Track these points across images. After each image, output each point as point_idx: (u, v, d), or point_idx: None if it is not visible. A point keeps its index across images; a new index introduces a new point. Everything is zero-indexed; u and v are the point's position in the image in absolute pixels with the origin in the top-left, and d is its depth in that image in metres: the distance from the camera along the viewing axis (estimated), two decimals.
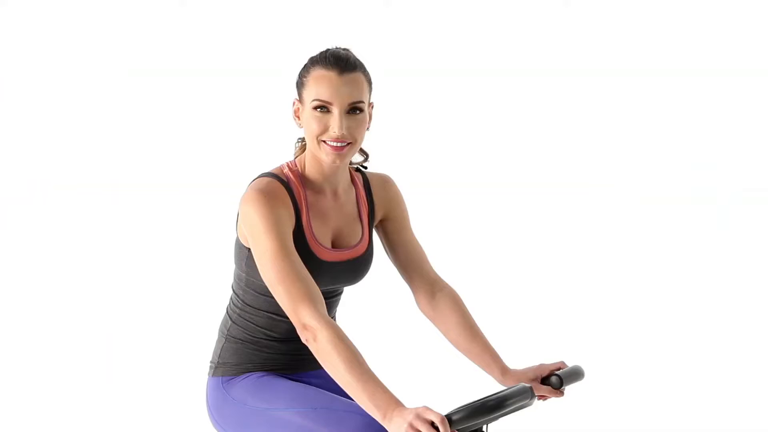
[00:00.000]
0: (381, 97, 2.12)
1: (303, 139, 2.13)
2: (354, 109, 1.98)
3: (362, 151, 2.21)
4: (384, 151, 2.33)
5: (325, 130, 1.97)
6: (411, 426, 1.71)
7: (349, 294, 2.26)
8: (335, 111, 1.97)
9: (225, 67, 4.71)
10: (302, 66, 2.05)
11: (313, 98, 1.98)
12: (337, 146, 1.98)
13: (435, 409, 1.73)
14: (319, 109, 1.97)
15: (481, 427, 1.87)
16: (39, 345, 4.39)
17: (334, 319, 2.24)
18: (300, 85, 2.03)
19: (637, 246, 4.60)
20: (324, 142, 1.98)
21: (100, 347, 4.40)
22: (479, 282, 3.98)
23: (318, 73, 1.99)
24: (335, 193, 2.12)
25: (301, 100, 2.03)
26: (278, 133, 2.60)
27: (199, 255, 4.47)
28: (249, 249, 2.03)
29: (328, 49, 2.03)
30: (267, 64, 4.56)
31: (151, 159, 4.71)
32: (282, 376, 2.12)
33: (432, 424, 1.70)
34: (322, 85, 1.97)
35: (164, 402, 4.03)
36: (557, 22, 4.66)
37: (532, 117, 4.68)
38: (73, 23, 4.72)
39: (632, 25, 4.62)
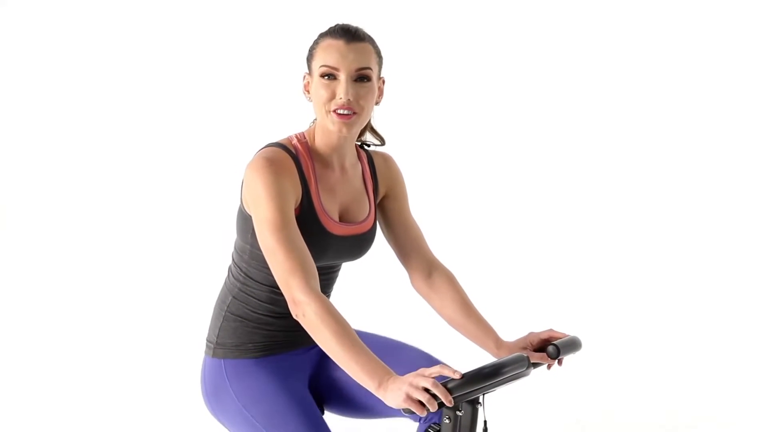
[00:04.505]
0: (385, 101, 2.11)
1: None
2: (362, 77, 1.98)
3: (378, 136, 2.21)
4: (388, 145, 2.31)
5: (332, 97, 1.97)
6: (408, 396, 1.70)
7: (346, 271, 2.26)
8: (342, 77, 1.96)
9: (224, 67, 4.71)
10: (312, 41, 2.06)
11: (320, 65, 1.98)
12: (343, 114, 1.97)
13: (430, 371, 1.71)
14: (326, 77, 1.97)
15: (478, 398, 1.85)
16: (37, 335, 4.42)
17: (329, 295, 2.22)
18: (309, 57, 2.04)
19: (631, 233, 4.60)
20: (332, 111, 1.97)
21: (95, 328, 4.43)
22: (476, 266, 3.99)
23: (326, 42, 2.00)
24: (343, 167, 2.11)
25: (310, 72, 2.03)
26: (275, 131, 2.59)
27: (194, 235, 4.51)
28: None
29: (337, 23, 2.04)
30: (266, 65, 4.57)
31: (149, 150, 4.73)
32: (294, 387, 2.07)
33: (429, 391, 1.69)
34: (329, 52, 1.98)
35: (159, 380, 4.06)
36: (557, 21, 4.66)
37: (529, 114, 4.69)
38: (73, 23, 4.74)
39: (632, 25, 4.62)
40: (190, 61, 4.74)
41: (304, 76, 2.05)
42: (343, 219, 2.10)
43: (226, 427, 2.13)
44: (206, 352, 2.17)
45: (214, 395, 2.11)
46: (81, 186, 4.75)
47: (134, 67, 4.74)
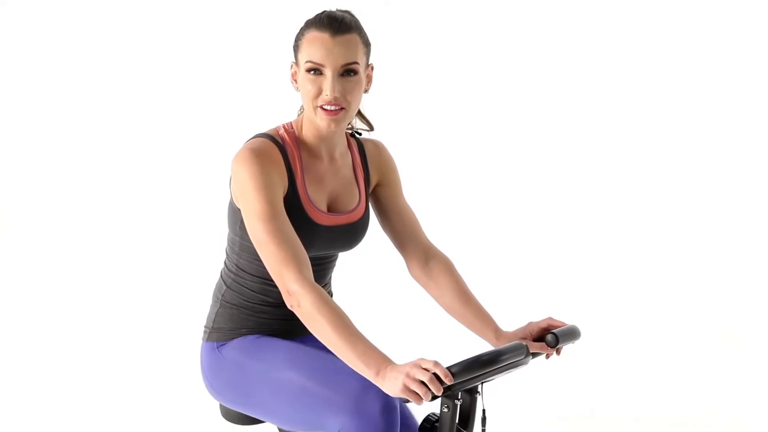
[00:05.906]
0: (380, 96, 2.10)
1: None
2: (348, 71, 1.96)
3: (367, 122, 2.20)
4: (382, 133, 2.31)
5: (318, 93, 1.95)
6: (405, 387, 1.69)
7: (343, 260, 2.24)
8: (328, 73, 1.95)
9: (214, 60, 4.72)
10: (299, 29, 2.03)
11: (306, 60, 1.96)
12: (331, 110, 1.95)
13: (427, 365, 1.69)
14: (312, 72, 1.96)
15: (476, 387, 1.84)
16: (37, 334, 4.43)
17: (329, 284, 2.22)
18: (296, 47, 2.01)
19: (631, 224, 4.60)
20: (319, 107, 1.96)
21: (96, 324, 4.44)
22: (473, 254, 3.97)
23: (311, 35, 1.97)
24: (331, 157, 2.09)
25: (296, 62, 2.01)
26: (266, 122, 2.58)
27: (192, 230, 4.51)
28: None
29: (324, 11, 2.01)
30: (264, 64, 4.56)
31: (145, 145, 4.75)
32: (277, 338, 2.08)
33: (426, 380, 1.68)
34: (315, 47, 1.95)
35: (160, 368, 4.06)
36: (557, 21, 4.66)
37: (524, 99, 4.67)
38: (73, 23, 4.74)
39: (632, 25, 4.61)
40: (182, 57, 4.73)
41: (291, 65, 2.03)
42: (332, 209, 2.08)
43: (238, 407, 2.08)
44: (202, 338, 2.16)
45: (213, 374, 2.10)
46: (80, 181, 4.74)
47: (132, 66, 4.73)
